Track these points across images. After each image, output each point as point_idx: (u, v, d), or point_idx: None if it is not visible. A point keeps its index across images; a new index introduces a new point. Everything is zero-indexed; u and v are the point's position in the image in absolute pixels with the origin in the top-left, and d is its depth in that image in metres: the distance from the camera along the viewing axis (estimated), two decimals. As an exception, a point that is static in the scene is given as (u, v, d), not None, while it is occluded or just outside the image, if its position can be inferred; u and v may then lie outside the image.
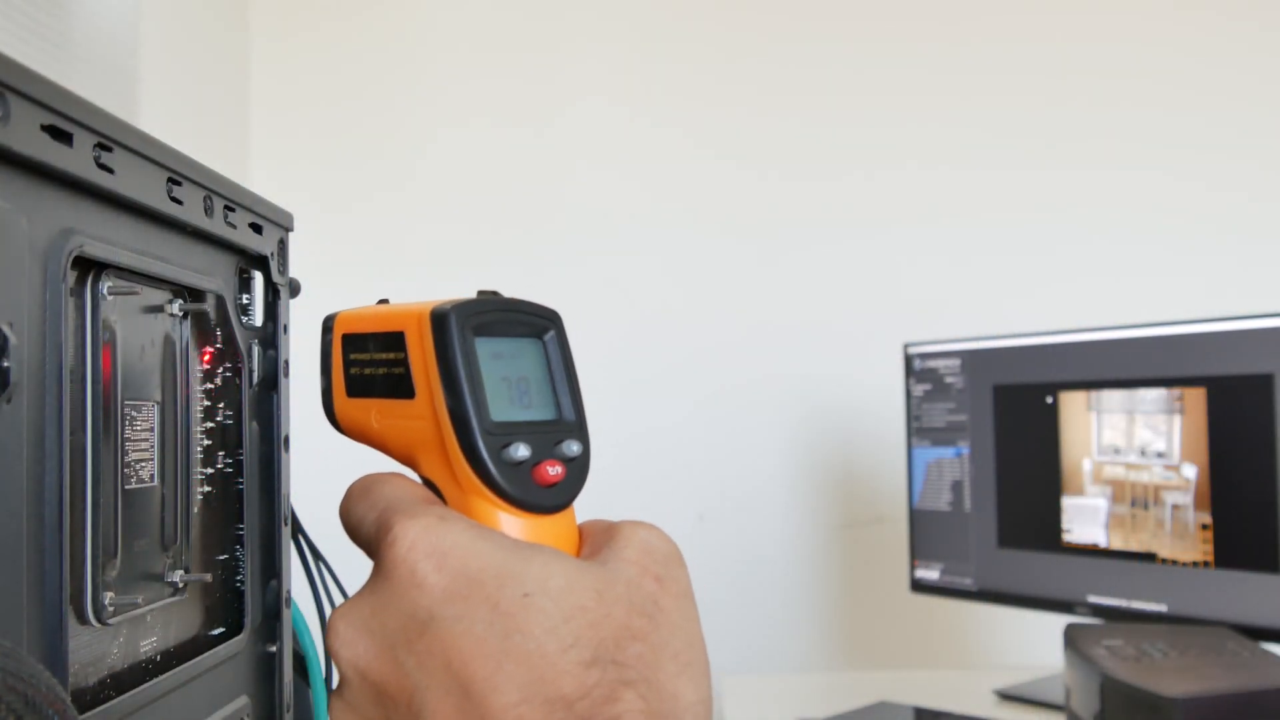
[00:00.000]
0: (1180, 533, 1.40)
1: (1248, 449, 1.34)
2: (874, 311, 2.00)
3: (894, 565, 1.88)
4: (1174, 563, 1.40)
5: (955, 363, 1.64)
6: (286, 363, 0.49)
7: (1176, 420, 1.41)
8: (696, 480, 2.01)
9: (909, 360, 1.70)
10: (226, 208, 0.44)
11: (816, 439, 2.01)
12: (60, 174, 0.32)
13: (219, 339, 0.45)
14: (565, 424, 0.41)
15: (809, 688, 1.69)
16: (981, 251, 2.02)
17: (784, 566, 2.01)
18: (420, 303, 0.41)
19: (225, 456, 0.45)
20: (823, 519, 2.01)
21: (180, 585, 0.41)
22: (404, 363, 0.40)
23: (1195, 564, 1.38)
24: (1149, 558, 1.43)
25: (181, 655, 0.41)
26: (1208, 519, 1.37)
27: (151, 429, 0.39)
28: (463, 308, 0.39)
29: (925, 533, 1.67)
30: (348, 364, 0.43)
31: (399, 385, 0.41)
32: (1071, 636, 1.25)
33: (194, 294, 0.42)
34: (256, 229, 0.47)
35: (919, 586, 1.68)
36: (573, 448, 0.40)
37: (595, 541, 0.39)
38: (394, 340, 0.41)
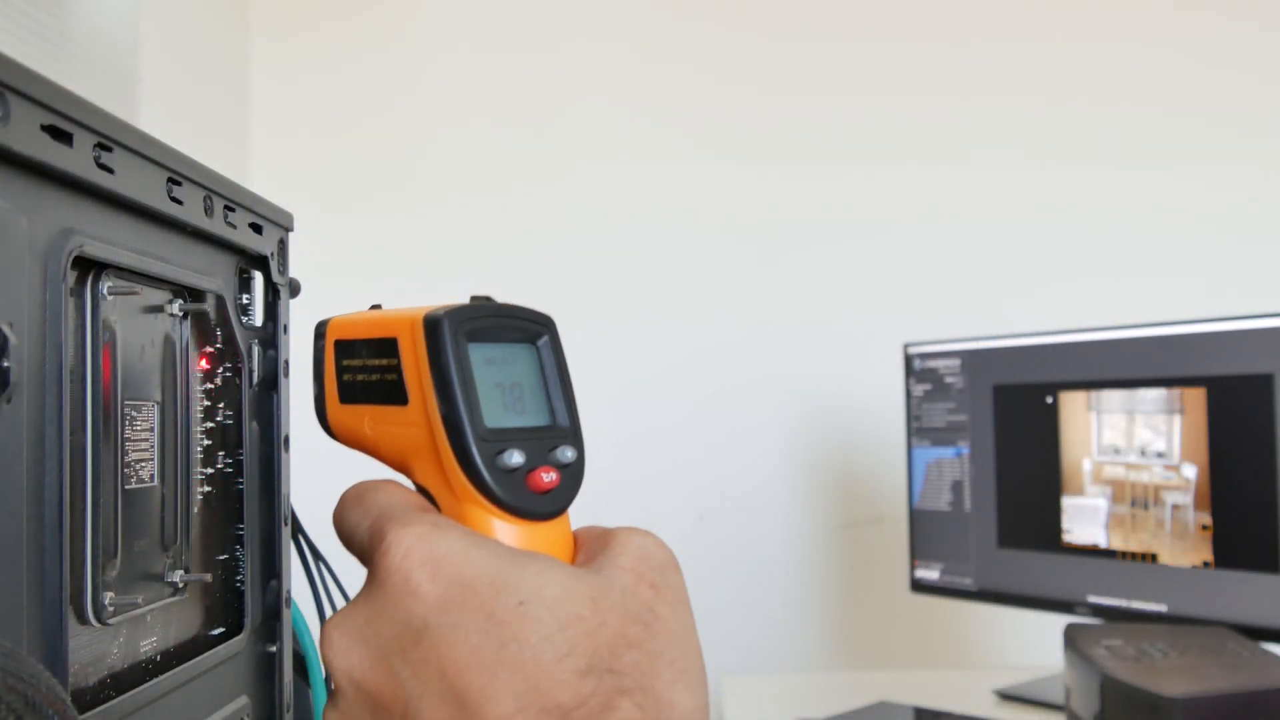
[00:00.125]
0: (1180, 533, 1.40)
1: (1248, 449, 1.34)
2: (874, 311, 2.00)
3: (894, 565, 1.88)
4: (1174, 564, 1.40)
5: (955, 363, 1.64)
6: (286, 363, 0.49)
7: (1176, 420, 1.41)
8: (696, 480, 2.01)
9: (909, 360, 1.70)
10: (226, 208, 0.44)
11: (816, 439, 2.01)
12: (60, 174, 0.32)
13: (219, 339, 0.45)
14: (559, 430, 0.41)
15: (809, 688, 1.69)
16: (981, 251, 2.02)
17: (784, 566, 2.01)
18: (413, 308, 0.41)
19: (225, 456, 0.45)
20: (823, 519, 2.01)
21: (180, 585, 0.41)
22: (397, 369, 0.40)
23: (1195, 564, 1.38)
24: (1149, 558, 1.43)
25: (181, 655, 0.41)
26: (1208, 519, 1.37)
27: (151, 429, 0.39)
28: (456, 313, 0.39)
29: (925, 533, 1.67)
30: (340, 370, 0.43)
31: (392, 391, 0.40)
32: (1071, 636, 1.25)
33: (194, 294, 0.42)
34: (256, 229, 0.47)
35: (919, 586, 1.68)
36: (567, 454, 0.40)
37: (590, 548, 0.39)
38: (387, 346, 0.41)
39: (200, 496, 0.43)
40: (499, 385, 0.40)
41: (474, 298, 0.41)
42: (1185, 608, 1.38)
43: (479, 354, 0.40)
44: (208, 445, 0.44)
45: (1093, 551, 1.48)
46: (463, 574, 0.35)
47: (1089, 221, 2.00)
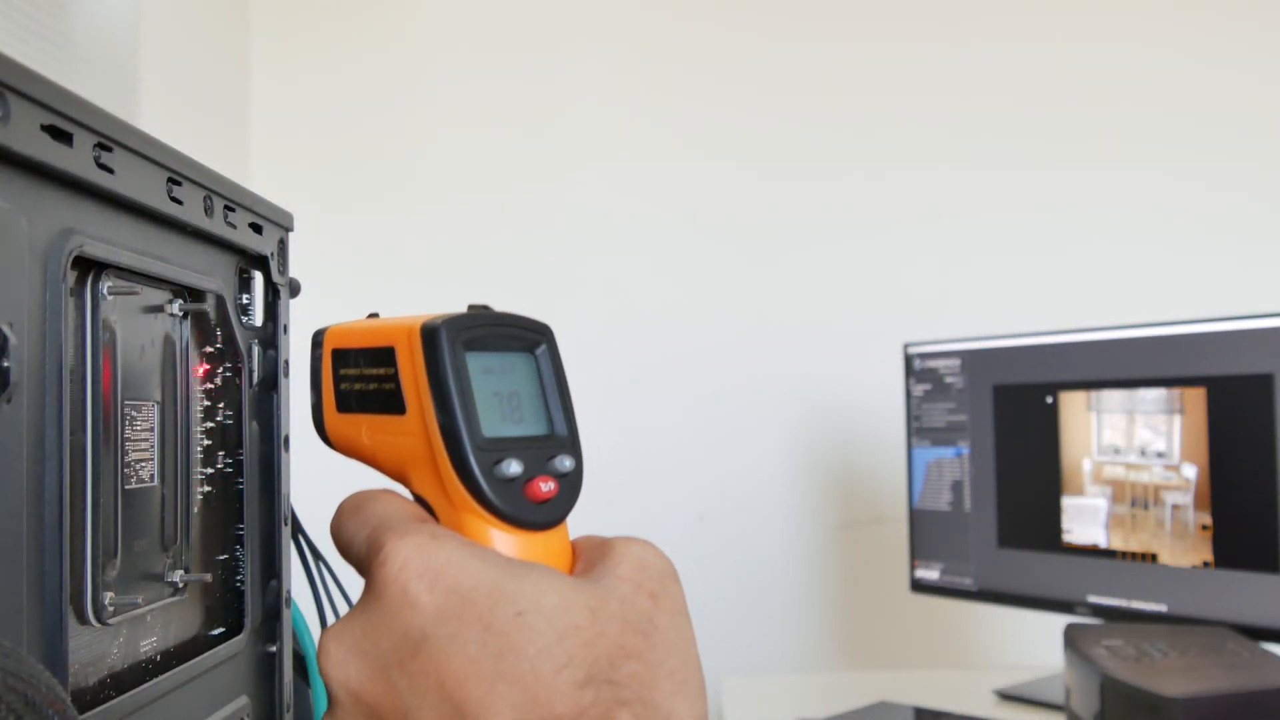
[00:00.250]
0: (1180, 533, 1.40)
1: (1248, 449, 1.34)
2: (874, 311, 2.00)
3: (894, 565, 1.88)
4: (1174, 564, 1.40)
5: (955, 363, 1.64)
6: (286, 363, 0.49)
7: (1176, 420, 1.41)
8: (696, 480, 2.01)
9: (909, 360, 1.70)
10: (226, 208, 0.44)
11: (816, 439, 2.01)
12: (60, 174, 0.32)
13: (219, 339, 0.45)
14: (558, 439, 0.41)
15: (809, 688, 1.69)
16: (981, 251, 2.02)
17: (784, 566, 2.01)
18: (410, 317, 0.41)
19: (225, 456, 0.45)
20: (823, 519, 2.01)
21: (180, 585, 0.41)
22: (394, 378, 0.40)
23: (1195, 564, 1.38)
24: (1149, 558, 1.43)
25: (181, 655, 0.41)
26: (1208, 519, 1.37)
27: (151, 429, 0.39)
28: (453, 322, 0.39)
29: (925, 533, 1.67)
30: (338, 379, 0.43)
31: (390, 401, 0.40)
32: (1071, 636, 1.24)
33: (194, 294, 0.42)
34: (256, 229, 0.47)
35: (919, 586, 1.68)
36: (565, 463, 0.40)
37: (589, 558, 0.39)
38: (384, 355, 0.40)
39: (200, 496, 0.43)
40: (497, 394, 0.40)
41: (471, 306, 0.41)
42: (1185, 608, 1.38)
43: (477, 363, 0.39)
44: (208, 445, 0.44)
45: (1093, 551, 1.48)
46: (460, 585, 0.35)
47: (1089, 221, 2.00)
